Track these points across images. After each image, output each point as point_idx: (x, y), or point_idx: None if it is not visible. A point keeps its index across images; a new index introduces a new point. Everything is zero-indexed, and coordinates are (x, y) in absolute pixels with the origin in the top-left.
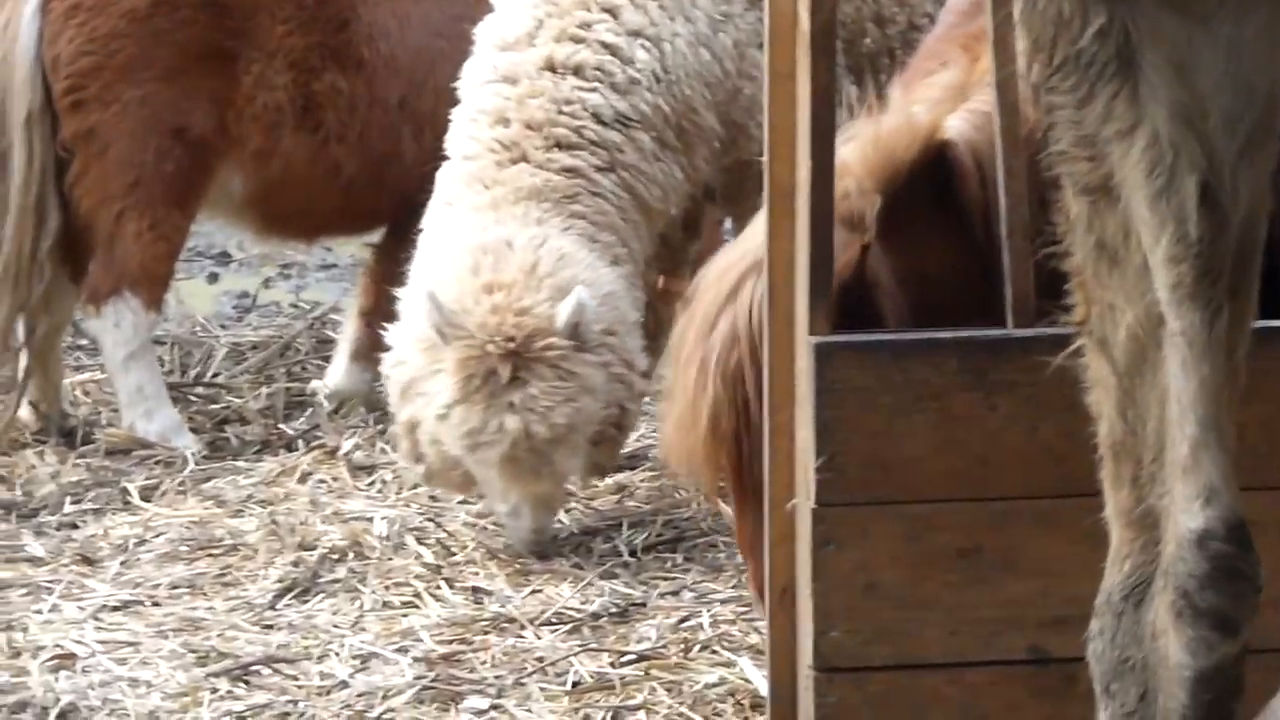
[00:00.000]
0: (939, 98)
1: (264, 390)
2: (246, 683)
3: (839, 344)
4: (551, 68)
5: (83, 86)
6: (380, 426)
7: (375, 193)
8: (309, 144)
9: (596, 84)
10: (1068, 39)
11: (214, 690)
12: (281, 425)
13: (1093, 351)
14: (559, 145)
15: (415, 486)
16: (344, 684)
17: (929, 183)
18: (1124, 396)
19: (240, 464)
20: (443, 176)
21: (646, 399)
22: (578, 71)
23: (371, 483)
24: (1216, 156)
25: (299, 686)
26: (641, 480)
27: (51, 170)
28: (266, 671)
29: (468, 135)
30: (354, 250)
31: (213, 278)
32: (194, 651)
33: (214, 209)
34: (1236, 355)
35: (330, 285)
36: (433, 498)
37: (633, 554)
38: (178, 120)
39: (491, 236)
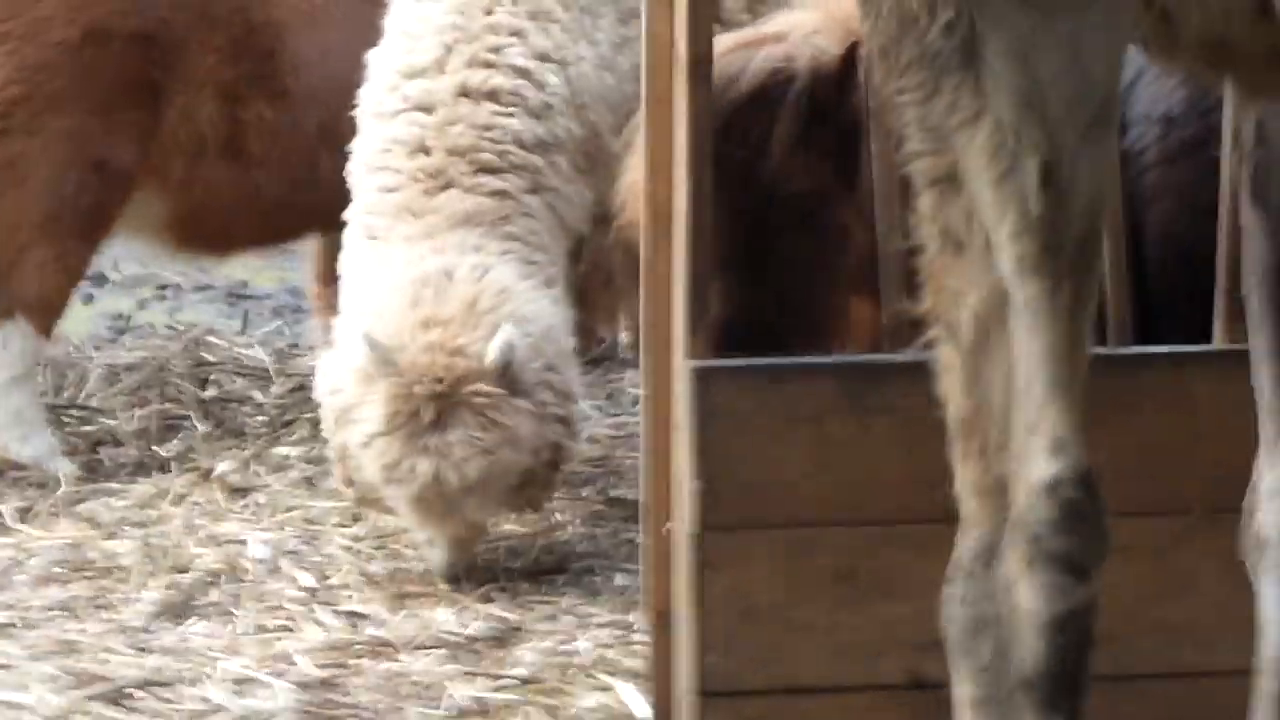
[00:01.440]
0: None
1: (138, 412)
2: (122, 706)
3: (716, 368)
4: (466, 94)
5: (8, 115)
6: (255, 450)
7: (293, 214)
8: (232, 170)
9: (513, 109)
10: (915, 37)
11: (89, 714)
12: (156, 447)
13: (940, 338)
14: (484, 170)
15: (290, 509)
16: (220, 708)
17: None
18: (969, 375)
19: (114, 486)
20: (357, 212)
21: None
22: (493, 97)
23: (246, 505)
24: (1056, 140)
25: (175, 710)
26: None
27: None
28: (142, 695)
29: (382, 167)
30: (228, 272)
31: (88, 299)
32: (69, 674)
33: (129, 231)
34: (1078, 324)
35: (206, 306)
36: (308, 521)
37: (510, 578)
38: (101, 153)
39: (431, 266)
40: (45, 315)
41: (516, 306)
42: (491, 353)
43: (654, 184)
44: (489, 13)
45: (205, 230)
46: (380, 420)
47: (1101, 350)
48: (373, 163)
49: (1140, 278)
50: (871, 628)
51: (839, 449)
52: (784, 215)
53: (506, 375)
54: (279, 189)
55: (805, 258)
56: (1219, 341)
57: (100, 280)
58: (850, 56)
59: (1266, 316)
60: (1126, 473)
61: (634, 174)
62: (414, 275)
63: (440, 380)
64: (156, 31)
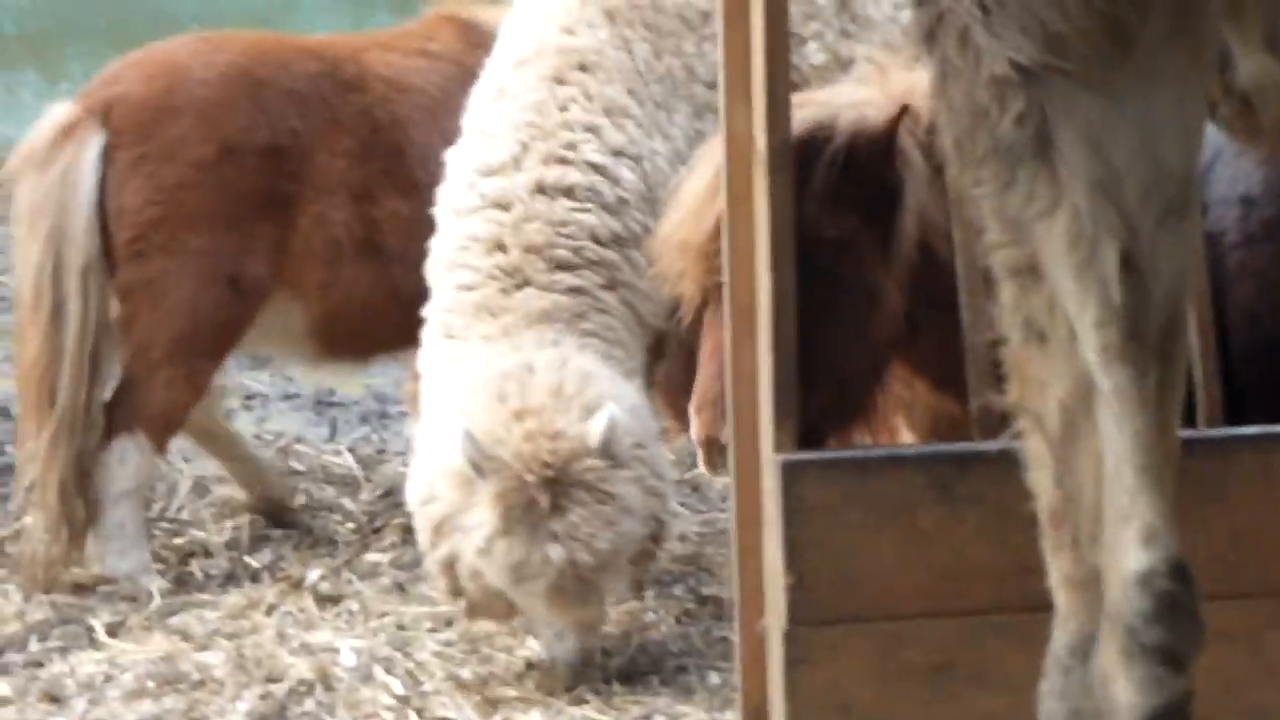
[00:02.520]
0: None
1: (228, 523)
2: None
3: (805, 461)
4: (542, 190)
5: (147, 237)
6: (345, 557)
7: None
8: (370, 269)
9: (589, 204)
10: (987, 129)
11: None
12: (246, 558)
13: (1028, 428)
14: (560, 267)
15: (382, 616)
16: None
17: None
18: (1059, 465)
19: (205, 597)
20: (436, 310)
21: None
22: (569, 193)
23: (338, 613)
24: (1134, 225)
25: None
26: (612, 604)
27: (106, 320)
28: None
29: (460, 264)
30: (318, 380)
31: None
32: None
33: (268, 343)
34: (1166, 411)
35: (294, 415)
36: (400, 627)
37: (603, 678)
38: (235, 269)
39: (511, 363)
40: (165, 432)
41: (601, 389)
42: (595, 429)
43: (736, 280)
44: (564, 109)
45: (348, 334)
46: (496, 521)
47: (1190, 433)
48: (451, 260)
49: (1224, 360)
50: None
51: (930, 540)
52: (809, 263)
53: (609, 450)
54: (418, 283)
55: (829, 308)
56: None
57: None
58: (896, 122)
59: None
60: (1218, 556)
61: (667, 226)
62: (495, 372)
63: (548, 465)
64: (288, 143)
